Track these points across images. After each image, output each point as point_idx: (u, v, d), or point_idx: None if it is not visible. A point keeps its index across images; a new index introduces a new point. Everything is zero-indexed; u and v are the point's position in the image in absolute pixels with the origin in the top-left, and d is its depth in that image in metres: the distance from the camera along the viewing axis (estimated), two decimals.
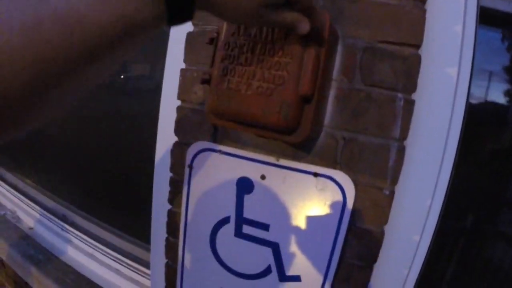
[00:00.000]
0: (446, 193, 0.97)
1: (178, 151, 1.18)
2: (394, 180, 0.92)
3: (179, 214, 1.17)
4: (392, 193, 0.93)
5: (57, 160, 2.31)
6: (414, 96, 0.91)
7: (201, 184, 1.10)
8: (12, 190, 2.46)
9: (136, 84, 1.97)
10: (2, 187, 2.53)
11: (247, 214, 1.04)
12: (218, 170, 1.08)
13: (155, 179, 1.27)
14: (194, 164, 1.11)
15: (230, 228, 1.07)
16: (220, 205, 1.07)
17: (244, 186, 1.03)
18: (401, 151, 0.92)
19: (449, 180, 0.96)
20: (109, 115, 2.03)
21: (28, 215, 2.25)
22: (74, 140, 2.21)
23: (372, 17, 0.91)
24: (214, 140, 1.11)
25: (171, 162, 1.19)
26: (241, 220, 1.05)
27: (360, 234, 0.98)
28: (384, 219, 0.95)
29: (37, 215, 2.21)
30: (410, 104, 0.91)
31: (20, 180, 2.46)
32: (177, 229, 1.19)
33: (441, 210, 0.97)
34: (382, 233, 0.96)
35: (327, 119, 0.96)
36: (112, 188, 2.03)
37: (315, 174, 0.95)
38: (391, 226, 0.95)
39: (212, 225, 1.10)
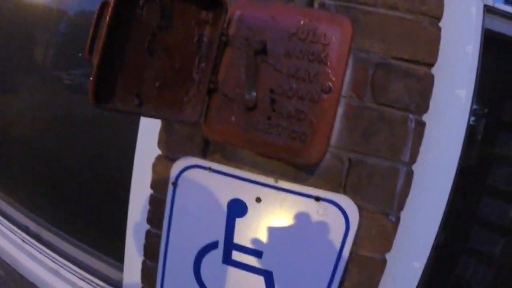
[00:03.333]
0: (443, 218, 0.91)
1: (161, 166, 1.07)
2: (401, 206, 0.86)
3: (159, 236, 1.05)
4: (398, 219, 0.86)
5: (23, 166, 2.13)
6: (425, 118, 0.84)
7: (187, 204, 1.00)
8: None
9: None
10: None
11: (238, 239, 0.95)
12: (207, 189, 0.98)
13: (132, 196, 1.16)
14: (180, 181, 1.01)
15: (217, 254, 0.98)
16: (208, 229, 0.97)
17: (237, 208, 0.94)
18: (409, 175, 0.87)
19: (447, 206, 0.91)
20: (81, 117, 1.87)
21: None
22: (43, 146, 2.04)
23: (387, 31, 0.86)
24: (204, 156, 1.01)
25: (153, 177, 1.08)
26: (230, 245, 0.96)
27: (361, 262, 0.91)
28: (388, 247, 0.89)
29: None
30: (421, 126, 0.86)
31: None
32: (156, 253, 1.07)
33: (437, 233, 0.91)
34: (384, 262, 0.90)
35: (334, 138, 0.89)
36: (83, 200, 1.88)
37: (317, 198, 0.87)
38: (393, 254, 0.89)
39: (198, 249, 1.01)
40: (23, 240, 1.85)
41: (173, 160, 1.04)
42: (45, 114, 2.00)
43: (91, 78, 0.70)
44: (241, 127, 0.81)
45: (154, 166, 1.09)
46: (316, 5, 0.92)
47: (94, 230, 1.77)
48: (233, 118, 0.82)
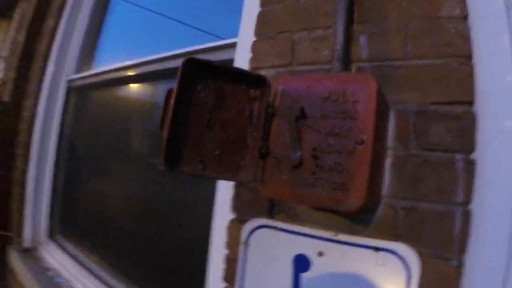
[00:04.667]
0: None
1: (234, 228, 1.19)
2: (462, 249, 0.84)
3: None
4: (461, 263, 0.83)
5: (119, 238, 2.40)
6: (475, 155, 0.85)
7: (257, 262, 1.08)
8: (70, 260, 2.55)
9: None
10: (60, 255, 2.64)
11: None
12: (274, 247, 1.06)
13: (211, 256, 1.28)
14: (250, 241, 1.10)
15: None
16: (276, 284, 1.04)
17: (301, 263, 0.99)
18: (467, 216, 0.85)
19: None
20: (167, 199, 2.10)
21: (83, 285, 2.29)
22: (135, 222, 2.30)
23: (419, 80, 0.92)
24: (271, 216, 1.10)
25: (227, 239, 1.19)
26: None
27: None
28: None
29: (91, 286, 2.25)
30: (470, 165, 0.86)
31: (79, 251, 2.56)
32: None
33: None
34: None
35: (385, 189, 0.94)
36: (170, 266, 2.05)
37: (376, 249, 0.89)
38: None
39: None
40: None
41: (244, 222, 1.15)
42: (138, 196, 2.28)
43: (162, 149, 0.87)
44: (290, 184, 0.90)
45: (228, 228, 1.21)
46: (353, 69, 1.02)
47: None
48: (283, 177, 0.92)
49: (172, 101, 0.90)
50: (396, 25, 0.97)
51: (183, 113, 0.92)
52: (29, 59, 3.17)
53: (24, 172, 2.91)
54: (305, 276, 0.99)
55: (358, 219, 0.96)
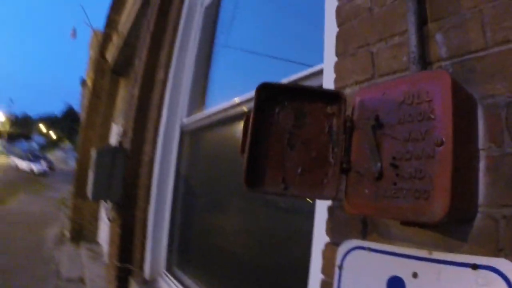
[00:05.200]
0: None
1: (329, 251, 1.17)
2: None
3: None
4: None
5: (232, 271, 2.47)
6: None
7: (352, 286, 1.03)
8: None
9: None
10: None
11: None
12: (368, 269, 1.01)
13: (310, 281, 1.25)
14: (344, 264, 1.07)
15: None
16: None
17: (395, 286, 0.91)
18: None
19: None
20: (278, 231, 2.13)
21: None
22: (246, 252, 2.36)
23: (507, 67, 0.82)
24: (364, 237, 1.06)
25: (322, 263, 1.17)
26: None
27: None
28: None
29: None
30: None
31: (196, 284, 2.68)
32: None
33: None
34: None
35: (482, 196, 0.84)
36: None
37: (474, 266, 0.79)
38: None
39: None
40: None
41: (338, 244, 1.12)
42: (251, 229, 2.34)
43: (244, 171, 0.91)
44: (372, 197, 0.86)
45: (324, 252, 1.18)
46: (433, 69, 0.96)
47: None
48: (366, 191, 0.88)
49: (250, 125, 0.95)
50: (471, 14, 0.90)
51: (263, 136, 0.96)
52: (145, 109, 3.59)
53: (145, 210, 3.23)
54: None
55: (454, 233, 0.87)
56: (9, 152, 51.14)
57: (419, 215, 0.78)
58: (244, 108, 2.41)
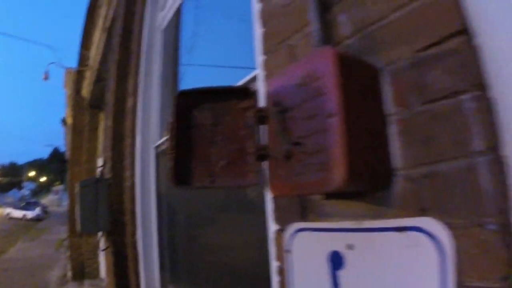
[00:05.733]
0: None
1: (278, 238, 1.16)
2: (499, 207, 0.67)
3: None
4: (503, 225, 0.66)
5: (222, 282, 2.45)
6: (491, 92, 0.70)
7: (300, 268, 1.03)
8: None
9: None
10: None
11: None
12: (311, 249, 1.00)
13: (272, 273, 1.24)
14: (292, 248, 1.06)
15: None
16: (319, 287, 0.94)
17: (335, 261, 0.91)
18: (496, 164, 0.68)
19: None
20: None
21: None
22: (234, 267, 2.34)
23: (404, 32, 0.81)
24: (304, 219, 1.04)
25: (276, 251, 1.17)
26: None
27: None
28: (502, 266, 0.66)
29: None
30: (484, 102, 0.70)
31: None
32: None
33: None
34: None
35: (397, 160, 0.82)
36: None
37: (401, 229, 0.78)
38: None
39: None
40: None
41: (284, 230, 1.11)
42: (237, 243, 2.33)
43: (170, 170, 0.92)
44: (287, 178, 0.85)
45: (275, 240, 1.18)
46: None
47: None
48: (282, 173, 0.87)
49: (171, 130, 0.96)
50: None
51: (186, 137, 0.96)
52: (120, 137, 3.59)
53: (134, 234, 3.20)
54: (341, 274, 0.90)
55: (378, 200, 0.84)
56: (2, 203, 50.99)
57: (324, 186, 0.76)
58: None
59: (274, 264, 1.18)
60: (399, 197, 0.81)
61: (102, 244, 4.72)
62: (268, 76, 1.27)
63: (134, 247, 3.18)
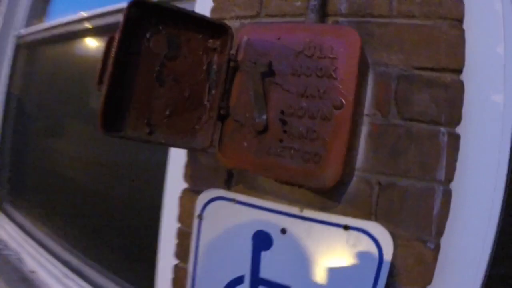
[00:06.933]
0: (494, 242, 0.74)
1: (187, 199, 1.01)
2: (440, 231, 0.73)
3: (186, 270, 0.96)
4: (438, 246, 0.72)
5: (67, 204, 2.15)
6: (459, 129, 0.72)
7: (212, 238, 0.92)
8: (18, 230, 2.28)
9: None
10: (9, 225, 2.36)
11: (264, 273, 0.84)
12: (232, 222, 0.90)
13: (162, 230, 1.09)
14: (205, 214, 0.93)
15: None
16: (233, 263, 0.88)
17: (262, 241, 0.84)
18: (447, 195, 0.73)
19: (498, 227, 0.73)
20: (122, 162, 1.87)
21: (32, 257, 2.05)
22: (86, 185, 2.06)
23: (405, 41, 0.77)
24: (228, 188, 0.93)
25: (179, 211, 1.01)
26: (257, 280, 0.86)
27: None
28: (428, 279, 0.73)
29: (41, 259, 2.02)
30: (455, 140, 0.73)
31: (28, 221, 2.29)
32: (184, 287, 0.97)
33: (489, 262, 0.73)
34: None
35: (360, 161, 0.79)
36: (120, 236, 1.84)
37: (346, 227, 0.75)
38: (436, 286, 0.73)
39: (223, 285, 0.90)
40: (64, 275, 1.83)
41: (198, 192, 0.97)
42: (91, 156, 2.02)
43: (99, 109, 0.66)
44: (253, 152, 0.73)
45: (181, 199, 1.03)
46: (329, 23, 0.84)
47: (131, 264, 1.70)
48: (245, 144, 0.74)
49: (113, 50, 0.69)
50: None
51: (127, 65, 0.71)
52: None
53: None
54: (266, 255, 0.84)
55: (329, 194, 0.81)
56: None
57: (308, 179, 0.68)
58: (93, 25, 1.99)
59: (174, 225, 1.03)
60: (351, 196, 0.79)
61: None
62: (217, 9, 1.05)
63: None
